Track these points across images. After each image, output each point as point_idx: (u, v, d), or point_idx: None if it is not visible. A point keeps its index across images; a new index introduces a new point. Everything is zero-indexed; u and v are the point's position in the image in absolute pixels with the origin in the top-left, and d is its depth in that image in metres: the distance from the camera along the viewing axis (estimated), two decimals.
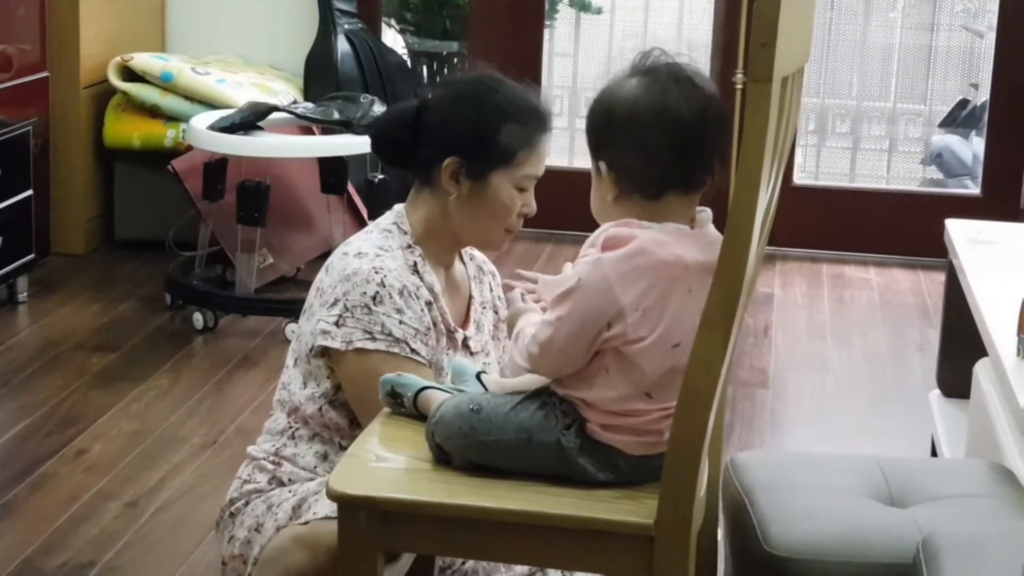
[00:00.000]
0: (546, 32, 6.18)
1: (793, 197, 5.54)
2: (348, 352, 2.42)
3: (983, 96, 6.30)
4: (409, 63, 6.20)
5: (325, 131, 4.67)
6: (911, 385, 4.31)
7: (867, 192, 6.15)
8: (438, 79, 6.84)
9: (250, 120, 4.48)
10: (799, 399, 4.27)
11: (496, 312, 2.69)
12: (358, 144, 4.43)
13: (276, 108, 4.60)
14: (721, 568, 2.38)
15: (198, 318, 4.56)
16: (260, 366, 4.28)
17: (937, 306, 4.35)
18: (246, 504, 2.53)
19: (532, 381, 2.12)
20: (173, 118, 5.15)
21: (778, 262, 5.57)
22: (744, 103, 1.78)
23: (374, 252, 2.47)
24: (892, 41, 6.87)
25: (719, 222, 1.97)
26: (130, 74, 5.19)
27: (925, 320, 4.92)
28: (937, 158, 6.66)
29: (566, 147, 6.66)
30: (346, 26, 5.49)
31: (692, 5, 6.82)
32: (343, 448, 2.46)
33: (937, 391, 3.74)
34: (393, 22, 6.90)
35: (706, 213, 2.04)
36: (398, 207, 2.57)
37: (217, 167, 4.60)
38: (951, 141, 6.63)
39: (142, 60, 5.18)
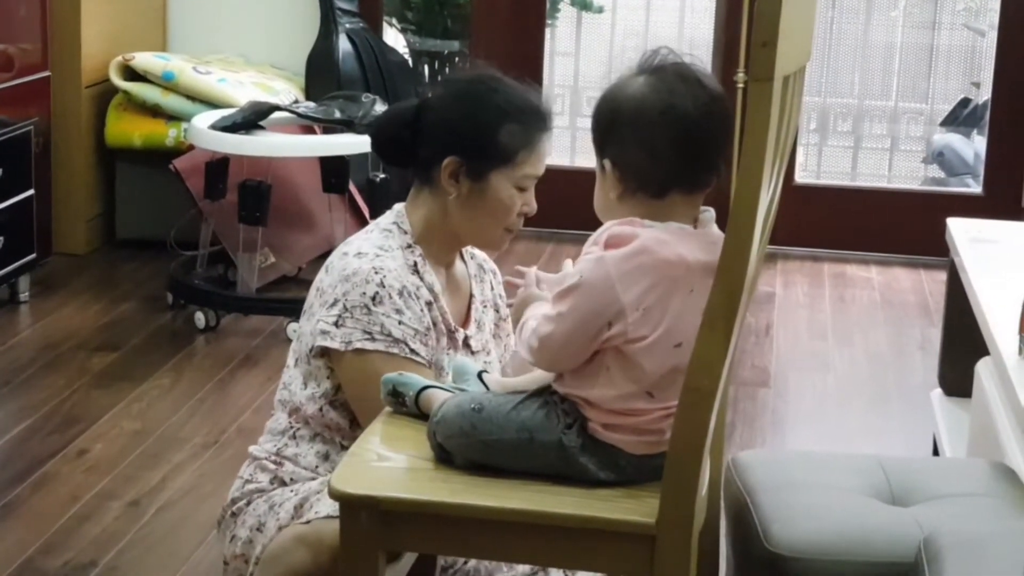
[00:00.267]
0: (547, 31, 6.18)
1: (794, 196, 5.54)
2: (347, 352, 2.42)
3: (985, 95, 6.30)
4: (410, 62, 6.20)
5: (326, 130, 4.67)
6: (913, 384, 4.31)
7: (869, 191, 6.15)
8: (439, 78, 6.84)
9: (251, 119, 4.48)
10: (801, 398, 4.27)
11: (497, 311, 2.69)
12: (359, 143, 4.43)
13: (277, 107, 4.60)
14: (722, 567, 2.38)
15: (199, 317, 4.56)
16: (261, 366, 4.28)
17: (939, 305, 4.35)
18: (248, 504, 2.53)
19: (533, 380, 2.12)
20: (174, 117, 5.15)
21: (779, 261, 5.57)
22: (745, 102, 1.78)
23: (374, 252, 2.47)
24: (893, 40, 6.87)
25: (720, 221, 1.97)
26: (131, 73, 5.19)
27: (926, 319, 4.92)
28: (939, 157, 6.66)
29: (567, 146, 6.66)
30: (347, 25, 5.50)
31: (693, 4, 6.82)
32: (344, 448, 2.45)
33: (939, 390, 3.74)
34: (394, 21, 6.91)
35: (709, 213, 2.04)
36: (398, 207, 2.56)
37: (218, 166, 4.60)
38: (953, 140, 6.63)
39: (143, 59, 5.18)
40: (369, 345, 2.41)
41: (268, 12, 5.74)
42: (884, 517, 2.33)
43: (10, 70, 4.62)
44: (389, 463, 2.10)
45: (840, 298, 5.19)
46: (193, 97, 5.10)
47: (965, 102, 6.73)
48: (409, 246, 2.51)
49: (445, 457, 2.06)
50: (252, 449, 2.60)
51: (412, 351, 2.42)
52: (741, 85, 5.10)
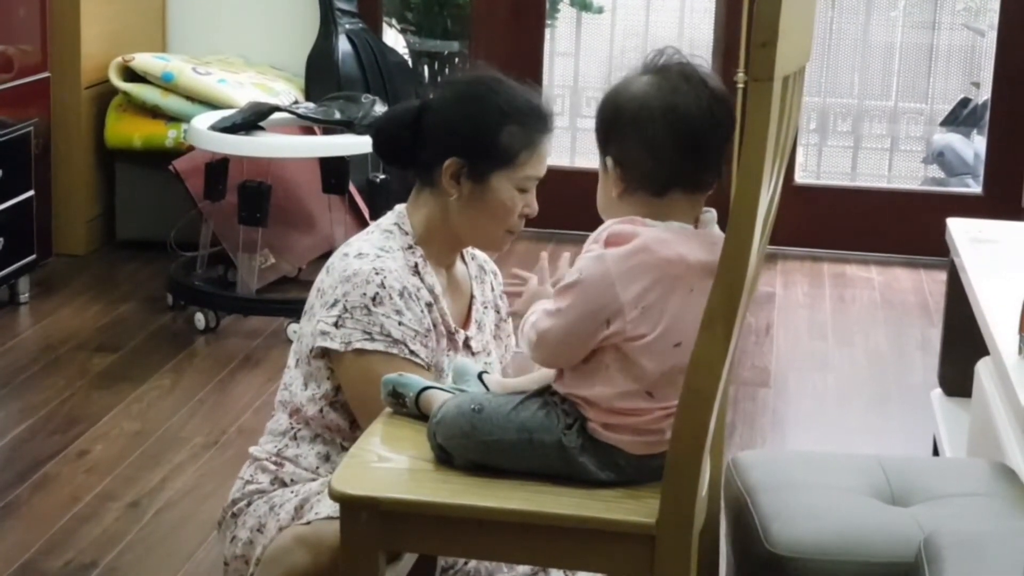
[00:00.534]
0: (547, 32, 6.18)
1: (795, 196, 5.54)
2: (347, 353, 2.42)
3: (984, 95, 6.30)
4: (410, 63, 6.20)
5: (326, 131, 4.67)
6: (912, 384, 4.31)
7: (868, 191, 6.15)
8: (439, 79, 6.84)
9: (251, 120, 4.48)
10: (801, 398, 4.27)
11: (498, 312, 2.69)
12: (359, 144, 4.43)
13: (277, 108, 4.60)
14: (723, 567, 2.38)
15: (200, 318, 4.56)
16: (262, 366, 4.28)
17: (938, 305, 4.35)
18: (248, 504, 2.53)
19: (534, 381, 2.13)
20: (174, 118, 5.15)
21: (779, 261, 5.57)
22: (745, 102, 1.78)
23: (375, 253, 2.47)
24: (893, 40, 6.87)
25: (721, 221, 1.97)
26: (131, 74, 5.19)
27: (926, 319, 4.92)
28: (938, 157, 6.66)
29: (568, 147, 6.66)
30: (347, 26, 5.50)
31: (693, 4, 6.82)
32: (345, 449, 2.46)
33: (939, 390, 3.74)
34: (394, 22, 6.91)
35: (711, 214, 2.05)
36: (399, 208, 2.57)
37: (218, 167, 4.60)
38: (952, 140, 6.63)
39: (143, 60, 5.18)
40: (369, 346, 2.41)
41: (268, 13, 5.74)
42: (884, 517, 2.33)
43: (10, 71, 4.62)
44: (389, 464, 2.10)
45: (840, 298, 5.20)
46: (193, 98, 5.10)
47: (965, 102, 6.73)
48: (410, 247, 2.51)
49: (445, 458, 2.07)
50: (252, 450, 2.60)
51: (412, 352, 2.42)
52: (741, 85, 5.10)
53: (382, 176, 4.68)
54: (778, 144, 1.87)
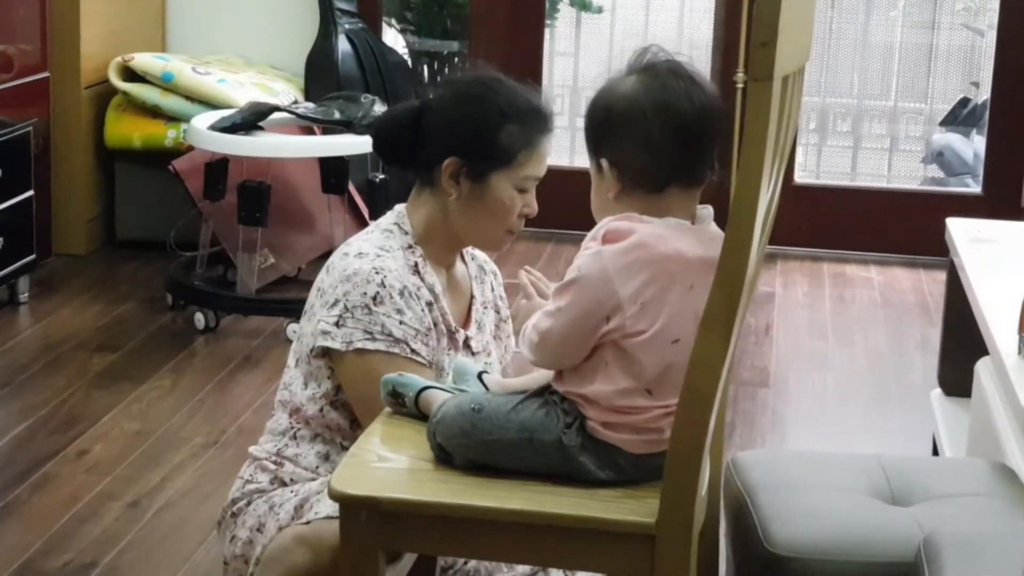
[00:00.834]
0: (547, 31, 6.18)
1: (794, 196, 5.54)
2: (348, 352, 2.42)
3: (984, 94, 6.30)
4: (410, 63, 6.20)
5: (326, 131, 4.67)
6: (912, 384, 4.31)
7: (868, 191, 6.15)
8: (439, 79, 6.84)
9: (251, 120, 4.48)
10: (800, 398, 4.27)
11: (498, 312, 2.69)
12: (359, 144, 4.43)
13: (277, 108, 4.60)
14: (722, 567, 2.38)
15: (199, 318, 4.56)
16: (262, 366, 4.28)
17: (938, 305, 4.35)
18: (248, 504, 2.53)
19: (533, 380, 2.13)
20: (174, 118, 5.15)
21: (779, 261, 5.57)
22: (745, 102, 1.78)
23: (375, 252, 2.47)
24: (893, 40, 6.87)
25: (720, 221, 1.97)
26: (131, 74, 5.19)
27: (926, 319, 4.92)
28: (938, 157, 6.66)
29: (567, 147, 6.65)
30: (347, 26, 5.50)
31: (693, 4, 6.82)
32: (345, 448, 2.46)
33: (938, 390, 3.74)
34: (394, 22, 6.91)
35: (707, 210, 2.05)
36: (399, 207, 2.57)
37: (218, 167, 4.60)
38: (952, 140, 6.62)
39: (143, 60, 5.18)
40: (370, 345, 2.41)
41: (268, 13, 5.74)
42: (884, 517, 2.33)
43: (9, 71, 4.62)
44: (389, 464, 2.10)
45: (840, 298, 5.20)
46: (192, 98, 5.11)
47: (964, 102, 6.73)
48: (410, 247, 2.51)
49: (445, 457, 2.07)
50: (252, 449, 2.60)
51: (413, 351, 2.42)
52: (741, 85, 5.11)
53: (382, 176, 4.69)
54: (778, 144, 1.87)
